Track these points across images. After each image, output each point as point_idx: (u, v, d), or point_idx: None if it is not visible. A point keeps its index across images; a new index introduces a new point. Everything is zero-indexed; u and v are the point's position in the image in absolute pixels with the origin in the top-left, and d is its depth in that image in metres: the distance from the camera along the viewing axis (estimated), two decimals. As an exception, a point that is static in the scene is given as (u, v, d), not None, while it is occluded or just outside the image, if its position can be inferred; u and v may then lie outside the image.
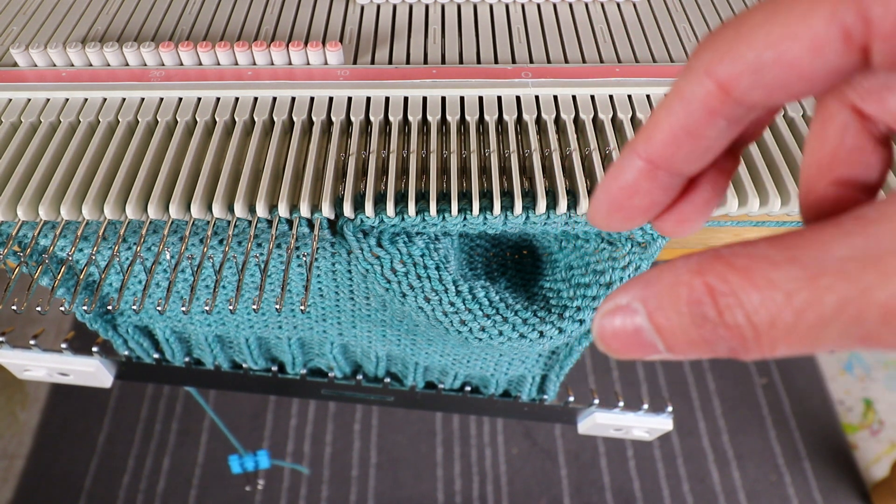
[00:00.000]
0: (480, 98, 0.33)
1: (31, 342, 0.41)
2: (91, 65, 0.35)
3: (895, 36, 0.10)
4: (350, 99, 0.33)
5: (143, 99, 0.33)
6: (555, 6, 0.40)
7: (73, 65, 0.35)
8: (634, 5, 0.40)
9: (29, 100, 0.33)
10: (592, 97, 0.34)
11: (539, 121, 0.33)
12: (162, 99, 0.33)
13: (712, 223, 0.35)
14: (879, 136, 0.13)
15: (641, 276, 0.12)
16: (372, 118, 0.32)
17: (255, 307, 0.28)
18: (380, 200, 0.29)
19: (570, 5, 0.40)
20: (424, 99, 0.33)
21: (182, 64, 0.35)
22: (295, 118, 0.32)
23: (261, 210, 0.29)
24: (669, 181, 0.13)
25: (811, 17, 0.10)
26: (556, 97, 0.33)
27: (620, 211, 0.14)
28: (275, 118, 0.33)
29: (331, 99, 0.33)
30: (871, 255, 0.09)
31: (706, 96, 0.12)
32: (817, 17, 0.10)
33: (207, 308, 0.28)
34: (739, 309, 0.10)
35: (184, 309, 0.29)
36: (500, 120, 0.33)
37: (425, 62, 0.36)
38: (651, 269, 0.12)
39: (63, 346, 0.41)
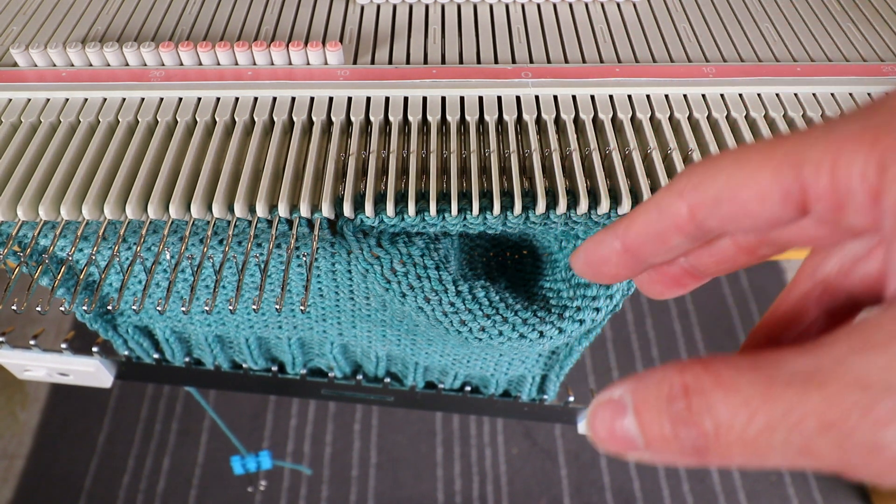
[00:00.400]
0: (480, 98, 0.33)
1: (31, 342, 0.41)
2: (91, 65, 0.35)
3: (825, 197, 0.12)
4: (350, 99, 0.33)
5: (143, 99, 0.33)
6: (555, 6, 0.40)
7: (73, 65, 0.35)
8: (634, 5, 0.40)
9: (29, 100, 0.33)
10: (592, 97, 0.34)
11: (539, 121, 0.33)
12: (162, 99, 0.33)
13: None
14: (834, 311, 0.16)
15: (637, 373, 0.13)
16: (372, 118, 0.32)
17: (255, 307, 0.28)
18: (380, 200, 0.29)
19: (570, 5, 0.40)
20: (424, 99, 0.33)
21: (182, 64, 0.35)
22: (295, 118, 0.32)
23: (261, 210, 0.29)
24: (634, 264, 0.16)
25: (759, 173, 0.13)
26: (556, 97, 0.33)
27: (592, 269, 0.17)
28: (275, 118, 0.33)
29: (331, 99, 0.33)
30: (815, 371, 0.11)
31: (676, 213, 0.14)
32: (764, 174, 0.12)
33: (207, 308, 0.28)
34: (706, 408, 0.11)
35: (184, 309, 0.29)
36: (500, 120, 0.33)
37: (425, 62, 0.36)
38: (648, 369, 0.13)
39: (63, 346, 0.41)
